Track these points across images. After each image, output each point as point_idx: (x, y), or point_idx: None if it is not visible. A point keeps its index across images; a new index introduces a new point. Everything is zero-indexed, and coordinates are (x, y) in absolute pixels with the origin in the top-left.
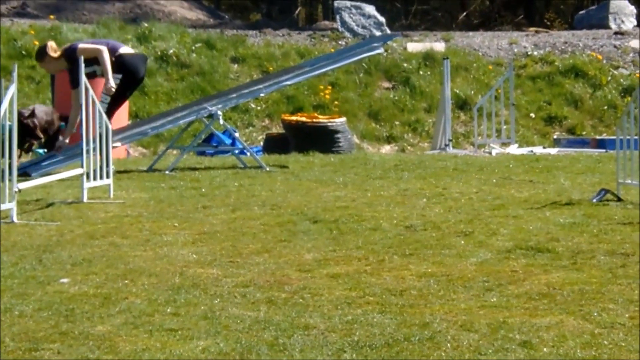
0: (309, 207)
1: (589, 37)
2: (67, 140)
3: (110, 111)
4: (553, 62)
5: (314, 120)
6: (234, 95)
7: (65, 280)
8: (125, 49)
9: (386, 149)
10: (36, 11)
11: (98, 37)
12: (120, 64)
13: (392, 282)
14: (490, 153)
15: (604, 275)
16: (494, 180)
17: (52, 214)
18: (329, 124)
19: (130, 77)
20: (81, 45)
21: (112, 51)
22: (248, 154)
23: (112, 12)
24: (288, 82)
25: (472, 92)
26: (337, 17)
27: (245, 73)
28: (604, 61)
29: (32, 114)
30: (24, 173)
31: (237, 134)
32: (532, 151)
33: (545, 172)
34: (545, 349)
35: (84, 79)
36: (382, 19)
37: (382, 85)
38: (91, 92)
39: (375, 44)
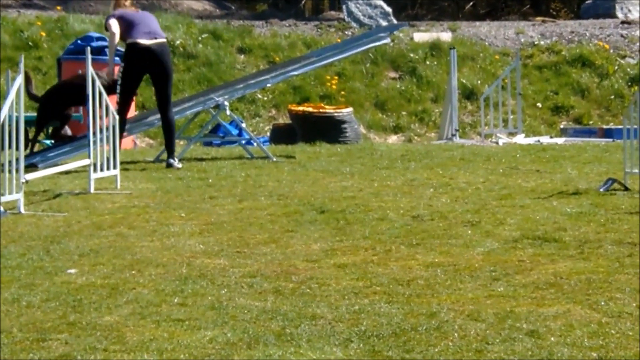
0: (315, 198)
1: (595, 26)
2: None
3: (119, 103)
4: (560, 51)
5: (321, 110)
6: (241, 85)
7: (72, 270)
8: (143, 39)
9: (393, 139)
10: (43, 2)
11: (104, 29)
12: (124, 52)
13: (399, 272)
14: (497, 143)
15: (611, 265)
16: (501, 170)
17: (59, 205)
18: (336, 114)
19: (124, 69)
20: (109, 20)
21: (128, 36)
22: (255, 144)
23: None
24: (295, 73)
25: (479, 82)
26: (344, 7)
27: (251, 63)
28: (611, 50)
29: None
30: (31, 164)
31: (243, 125)
32: (539, 141)
33: (552, 161)
34: (552, 338)
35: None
36: (389, 9)
37: (388, 75)
38: (98, 82)
39: (382, 34)
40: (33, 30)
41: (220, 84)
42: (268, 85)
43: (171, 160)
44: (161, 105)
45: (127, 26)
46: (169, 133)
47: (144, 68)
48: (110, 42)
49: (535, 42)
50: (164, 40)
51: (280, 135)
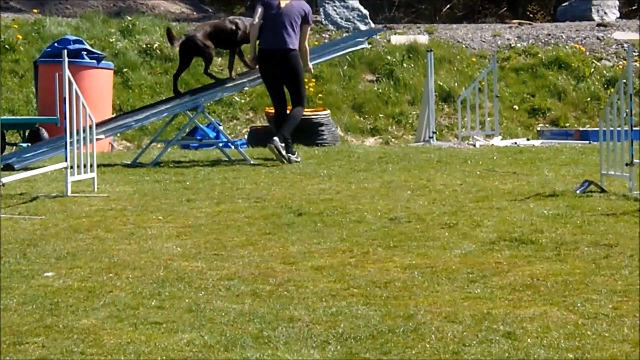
0: (293, 200)
1: (572, 29)
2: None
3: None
4: (536, 54)
5: None
6: (218, 88)
7: (49, 274)
8: (264, 45)
9: (370, 141)
10: (19, 5)
11: (81, 32)
12: None
13: (376, 274)
14: (474, 145)
15: (587, 266)
16: (478, 172)
17: (36, 208)
18: (313, 116)
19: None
20: (257, 6)
21: (260, 36)
22: (232, 147)
23: (95, 6)
24: None
25: (456, 84)
26: (321, 9)
27: None
28: (587, 53)
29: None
30: (7, 165)
31: (221, 127)
32: (515, 143)
33: (529, 163)
34: (529, 340)
35: None
36: (366, 12)
37: (366, 77)
38: (75, 85)
39: (360, 39)
40: (9, 33)
41: (198, 86)
42: (245, 88)
43: (275, 138)
44: (293, 103)
45: (262, 24)
46: (289, 119)
47: (267, 71)
48: (250, 31)
49: (512, 45)
50: (285, 47)
51: (258, 137)
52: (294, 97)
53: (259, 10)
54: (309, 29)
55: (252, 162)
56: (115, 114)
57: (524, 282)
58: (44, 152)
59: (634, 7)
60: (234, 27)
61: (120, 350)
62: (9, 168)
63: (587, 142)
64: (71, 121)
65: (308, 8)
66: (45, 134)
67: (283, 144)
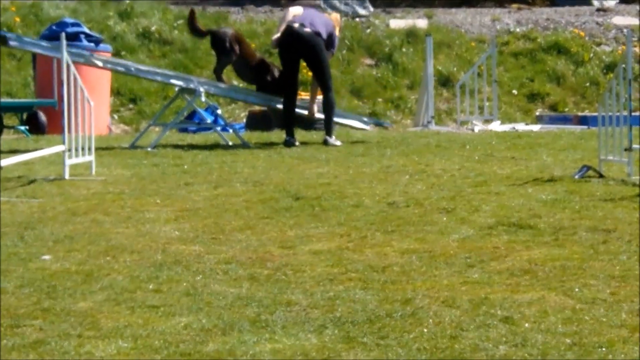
0: (291, 184)
1: (571, 13)
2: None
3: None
4: (535, 38)
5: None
6: (224, 86)
7: (47, 257)
8: (294, 24)
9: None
10: None
11: (79, 14)
12: None
13: (374, 258)
14: (472, 130)
15: (585, 252)
16: (477, 157)
17: (34, 191)
18: None
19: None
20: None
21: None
22: (230, 131)
23: None
24: (277, 105)
25: (455, 69)
26: None
27: None
28: (586, 38)
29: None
30: (3, 38)
31: (219, 111)
32: (514, 128)
33: (528, 148)
34: (526, 325)
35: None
36: None
37: (364, 62)
38: (73, 68)
39: (366, 120)
40: (7, 15)
41: (196, 70)
42: (247, 100)
43: (327, 137)
44: (320, 88)
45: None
46: (326, 112)
47: (290, 51)
48: (283, 18)
49: (511, 29)
50: (316, 29)
51: (256, 121)
52: (319, 81)
53: (300, 7)
54: (331, 55)
55: (250, 146)
56: (113, 98)
57: (521, 267)
58: (43, 48)
59: None
60: (257, 62)
61: (117, 333)
62: (3, 40)
63: (586, 127)
64: (69, 104)
65: (336, 34)
66: (43, 117)
67: (333, 137)
